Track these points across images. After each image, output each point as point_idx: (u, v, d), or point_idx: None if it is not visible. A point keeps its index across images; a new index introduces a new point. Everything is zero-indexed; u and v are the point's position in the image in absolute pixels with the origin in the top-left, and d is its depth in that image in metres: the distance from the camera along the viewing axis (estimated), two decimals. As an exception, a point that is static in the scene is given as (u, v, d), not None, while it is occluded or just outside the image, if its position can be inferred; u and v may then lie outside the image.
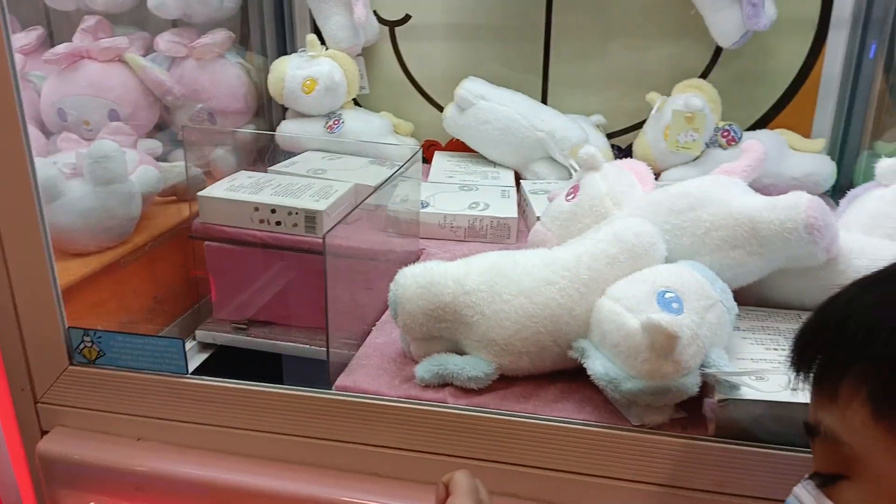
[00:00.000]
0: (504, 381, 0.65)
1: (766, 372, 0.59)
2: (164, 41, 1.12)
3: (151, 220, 0.97)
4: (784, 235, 0.64)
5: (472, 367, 0.64)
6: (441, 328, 0.66)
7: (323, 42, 1.20)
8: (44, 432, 0.73)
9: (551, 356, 0.64)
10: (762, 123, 1.18)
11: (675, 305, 0.58)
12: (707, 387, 0.59)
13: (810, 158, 1.08)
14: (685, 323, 0.57)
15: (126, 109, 1.06)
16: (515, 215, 0.98)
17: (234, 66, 1.16)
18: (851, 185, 1.12)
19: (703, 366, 0.58)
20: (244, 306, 0.95)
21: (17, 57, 1.05)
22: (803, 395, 0.57)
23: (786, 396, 0.57)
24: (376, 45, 1.27)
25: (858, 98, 1.10)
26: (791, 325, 0.68)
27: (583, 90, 1.24)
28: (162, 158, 1.08)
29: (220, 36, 1.14)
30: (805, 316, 0.68)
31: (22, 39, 1.13)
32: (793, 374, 0.43)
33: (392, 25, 1.27)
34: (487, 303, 0.64)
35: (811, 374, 0.42)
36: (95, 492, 0.71)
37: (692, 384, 0.57)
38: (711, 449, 0.58)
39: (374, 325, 0.78)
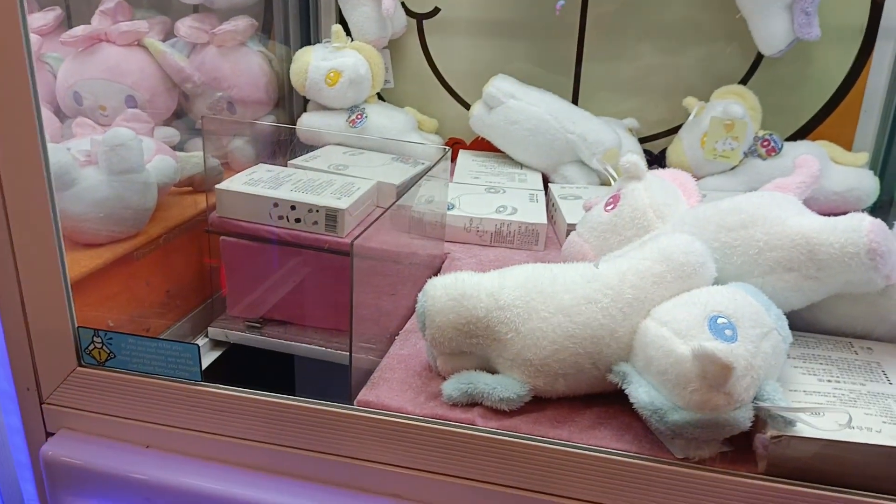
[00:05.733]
0: (537, 402, 0.61)
1: (824, 408, 0.55)
2: (185, 27, 1.09)
3: (166, 212, 0.94)
4: (844, 260, 0.59)
5: (504, 387, 0.60)
6: (471, 344, 0.62)
7: (348, 33, 1.16)
8: (49, 434, 0.70)
9: (588, 379, 0.60)
10: (802, 134, 1.14)
11: (728, 332, 0.54)
12: (758, 421, 0.55)
13: (853, 172, 1.04)
14: (739, 352, 0.53)
15: (144, 95, 1.03)
16: (545, 221, 0.94)
17: (255, 55, 1.13)
18: (894, 202, 1.09)
19: (756, 399, 0.54)
20: (259, 304, 0.92)
21: (34, 38, 1.03)
22: (862, 434, 0.54)
23: (844, 435, 0.53)
24: (403, 37, 1.23)
25: (905, 111, 1.06)
26: (844, 355, 0.63)
27: (614, 92, 1.20)
28: (179, 147, 1.05)
29: (242, 23, 1.10)
30: (858, 344, 0.66)
31: (39, 20, 1.10)
32: None
33: (420, 18, 1.23)
34: (523, 320, 0.60)
35: None
36: (101, 499, 0.68)
37: (744, 418, 0.53)
38: (762, 488, 0.54)
39: (397, 334, 0.74)
